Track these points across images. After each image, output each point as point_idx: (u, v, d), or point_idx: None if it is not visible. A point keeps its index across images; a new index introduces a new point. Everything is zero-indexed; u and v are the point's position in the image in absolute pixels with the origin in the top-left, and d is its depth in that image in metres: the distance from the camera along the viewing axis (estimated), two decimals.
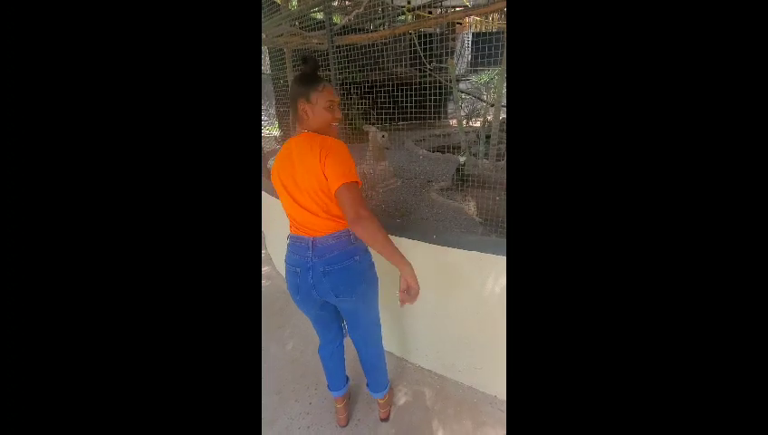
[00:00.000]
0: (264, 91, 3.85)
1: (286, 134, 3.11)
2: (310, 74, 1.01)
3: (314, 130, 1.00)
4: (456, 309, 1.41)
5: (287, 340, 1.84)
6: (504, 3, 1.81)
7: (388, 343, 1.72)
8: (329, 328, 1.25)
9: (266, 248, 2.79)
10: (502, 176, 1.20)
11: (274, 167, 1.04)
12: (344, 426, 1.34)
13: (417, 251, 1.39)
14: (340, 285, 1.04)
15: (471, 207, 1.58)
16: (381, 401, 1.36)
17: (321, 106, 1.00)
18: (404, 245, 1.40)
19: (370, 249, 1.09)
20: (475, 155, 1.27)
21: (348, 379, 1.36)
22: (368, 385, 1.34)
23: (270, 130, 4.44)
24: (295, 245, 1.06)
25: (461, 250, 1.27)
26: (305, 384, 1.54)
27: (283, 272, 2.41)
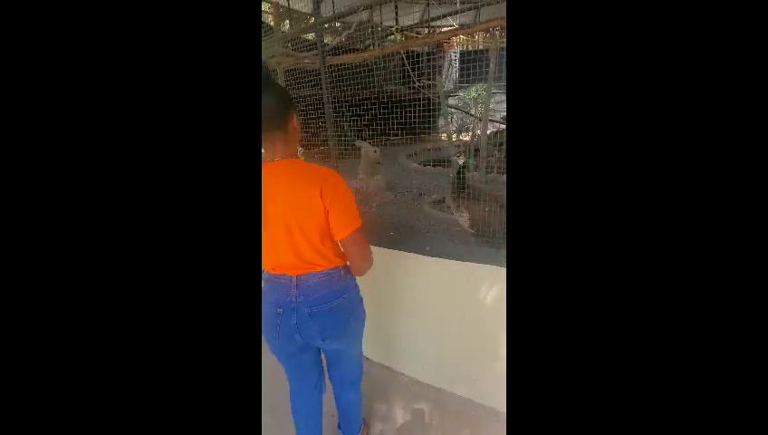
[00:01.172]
0: None
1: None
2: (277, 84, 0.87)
3: (293, 152, 0.88)
4: (451, 320, 1.42)
5: None
6: (489, 24, 1.89)
7: (384, 356, 1.71)
8: (309, 377, 1.10)
9: None
10: (492, 187, 1.23)
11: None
12: None
13: (411, 263, 1.40)
14: (328, 328, 0.93)
15: (463, 218, 1.61)
16: None
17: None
18: (397, 257, 1.41)
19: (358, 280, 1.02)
20: (466, 169, 1.31)
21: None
22: (339, 426, 1.26)
23: None
24: (276, 282, 0.93)
25: (454, 261, 1.29)
26: None
27: None
